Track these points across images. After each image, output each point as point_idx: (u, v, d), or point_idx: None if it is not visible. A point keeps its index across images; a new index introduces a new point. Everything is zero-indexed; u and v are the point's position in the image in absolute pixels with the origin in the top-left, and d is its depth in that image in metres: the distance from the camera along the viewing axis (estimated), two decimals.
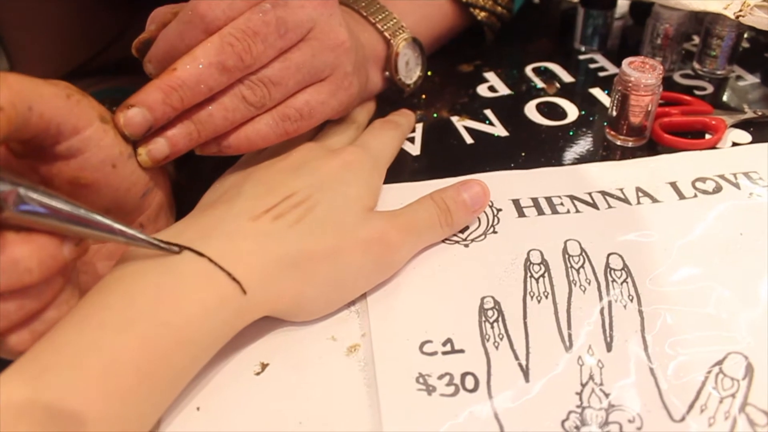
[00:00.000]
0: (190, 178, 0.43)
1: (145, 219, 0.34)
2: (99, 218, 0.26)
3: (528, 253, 0.35)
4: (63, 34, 0.51)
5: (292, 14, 0.33)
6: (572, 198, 0.39)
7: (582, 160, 0.43)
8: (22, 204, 0.24)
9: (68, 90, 0.28)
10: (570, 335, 0.31)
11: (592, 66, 0.53)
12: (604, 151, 0.44)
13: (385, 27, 0.44)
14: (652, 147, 0.44)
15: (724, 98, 0.49)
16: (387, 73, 0.46)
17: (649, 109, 0.42)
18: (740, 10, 0.44)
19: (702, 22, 0.50)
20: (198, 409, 0.29)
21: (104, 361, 0.25)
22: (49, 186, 0.29)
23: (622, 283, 0.34)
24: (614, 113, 0.43)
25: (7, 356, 0.26)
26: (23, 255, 0.24)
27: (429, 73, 0.51)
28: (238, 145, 0.34)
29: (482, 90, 0.51)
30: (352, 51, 0.36)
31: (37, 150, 0.28)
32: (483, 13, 0.51)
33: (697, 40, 0.54)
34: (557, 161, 0.43)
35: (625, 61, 0.42)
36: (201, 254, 0.29)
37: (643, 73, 0.41)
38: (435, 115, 0.48)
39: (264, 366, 0.31)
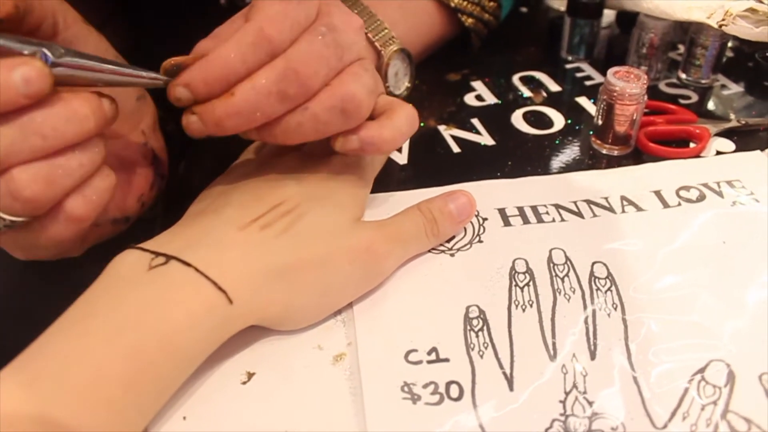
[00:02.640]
0: (190, 169, 0.43)
1: (145, 126, 0.37)
2: (121, 66, 0.30)
3: (513, 262, 0.36)
4: None
5: (345, 37, 0.32)
6: (557, 207, 0.39)
7: (568, 168, 0.43)
8: (56, 60, 0.27)
9: None
10: (554, 344, 0.32)
11: (579, 75, 0.54)
12: (590, 160, 0.44)
13: (377, 37, 0.45)
14: (637, 156, 0.44)
15: (709, 107, 0.49)
16: None
17: (634, 118, 0.43)
18: (723, 20, 0.45)
19: (687, 32, 0.51)
20: (184, 418, 0.29)
21: (90, 370, 0.25)
22: None
23: (606, 292, 0.34)
24: (600, 122, 0.44)
25: (60, 230, 0.29)
26: (78, 105, 0.27)
27: (416, 82, 0.51)
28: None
29: (469, 99, 0.51)
30: None
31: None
32: (470, 20, 0.52)
33: (682, 49, 0.55)
34: (543, 170, 0.43)
35: (610, 71, 0.42)
36: (187, 264, 0.29)
37: (628, 83, 0.42)
38: (422, 124, 0.48)
39: (250, 375, 0.31)
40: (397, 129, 0.34)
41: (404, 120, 0.35)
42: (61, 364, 0.25)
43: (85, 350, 0.26)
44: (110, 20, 0.51)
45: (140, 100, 0.36)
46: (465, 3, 0.51)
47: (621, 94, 0.42)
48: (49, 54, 0.27)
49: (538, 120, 0.48)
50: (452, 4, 0.50)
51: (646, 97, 0.42)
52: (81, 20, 0.32)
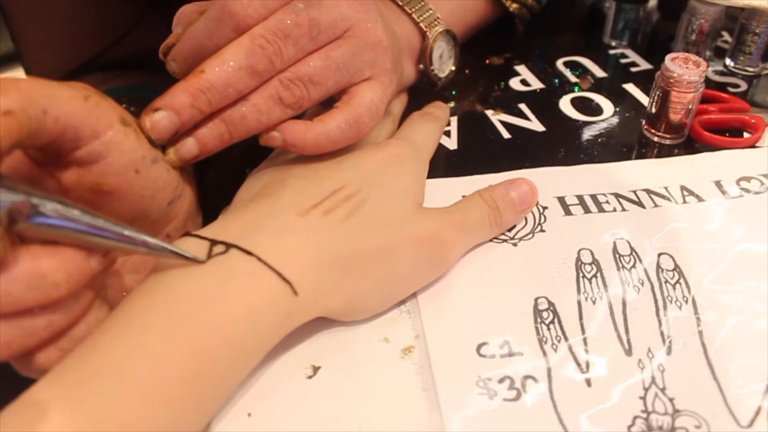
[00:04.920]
0: (217, 182, 0.42)
1: (172, 229, 0.32)
2: (119, 228, 0.25)
3: (578, 253, 0.35)
4: (74, 26, 0.49)
5: (326, 14, 0.31)
6: (617, 196, 0.38)
7: (620, 156, 0.42)
8: (36, 216, 0.23)
9: (86, 92, 0.26)
10: (628, 338, 0.30)
11: (624, 61, 0.52)
12: (643, 148, 0.43)
13: (421, 18, 0.43)
14: (689, 144, 0.43)
15: (759, 96, 0.48)
16: (421, 65, 0.44)
17: (691, 106, 0.41)
18: None
19: (733, 19, 0.50)
20: (249, 415, 0.28)
21: (149, 367, 0.24)
22: (70, 194, 0.27)
23: (675, 284, 0.33)
24: (654, 110, 0.43)
25: (34, 375, 0.25)
26: (50, 268, 0.23)
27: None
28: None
29: (515, 83, 0.50)
30: (390, 48, 0.35)
31: (56, 156, 0.26)
32: (515, 5, 0.50)
33: (726, 36, 0.54)
34: (596, 157, 0.42)
35: (668, 57, 0.41)
36: (249, 252, 0.27)
37: (686, 70, 0.40)
38: (469, 108, 0.47)
39: (316, 369, 0.29)
40: (324, 134, 0.32)
41: (339, 123, 0.33)
42: (118, 361, 0.23)
43: (142, 346, 0.24)
44: (145, 16, 0.49)
45: (173, 204, 0.31)
46: None
47: (679, 81, 0.41)
48: (36, 205, 0.22)
49: (585, 106, 0.47)
50: None
51: (704, 85, 0.41)
52: (118, 121, 0.27)
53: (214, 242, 0.28)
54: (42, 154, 0.26)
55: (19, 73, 0.53)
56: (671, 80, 0.41)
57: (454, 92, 0.48)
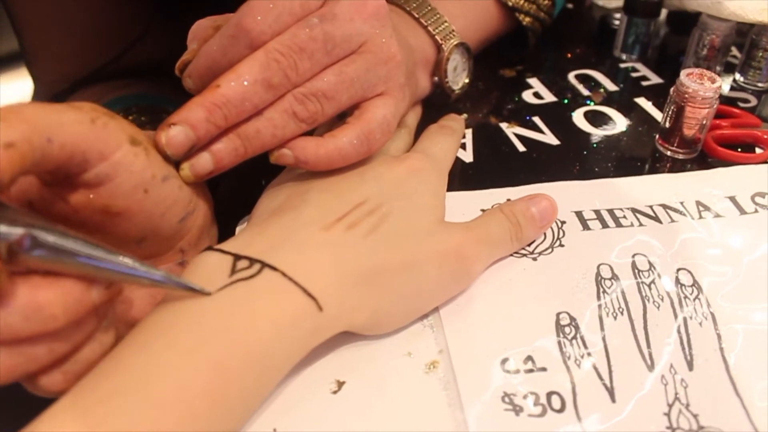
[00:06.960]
0: (230, 193, 0.41)
1: (185, 244, 0.32)
2: (120, 260, 0.24)
3: (598, 268, 0.35)
4: (82, 35, 0.49)
5: (340, 29, 0.31)
6: (634, 211, 0.38)
7: (633, 170, 0.42)
8: (36, 248, 0.22)
9: (93, 113, 0.26)
10: (650, 353, 0.31)
11: (635, 75, 0.53)
12: (656, 162, 0.43)
13: (437, 30, 0.43)
14: (702, 159, 0.43)
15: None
16: (435, 77, 0.45)
17: (705, 122, 0.42)
18: None
19: (742, 34, 0.50)
20: (274, 430, 0.27)
21: (174, 385, 0.23)
22: (79, 215, 0.27)
23: (694, 300, 0.33)
24: (668, 124, 0.43)
25: (40, 395, 0.25)
26: (47, 301, 0.22)
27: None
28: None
29: (528, 96, 0.50)
30: (403, 63, 0.35)
31: (64, 179, 0.26)
32: (528, 19, 0.50)
33: (734, 51, 0.54)
34: (610, 171, 0.42)
35: (683, 72, 0.41)
36: (274, 268, 0.27)
37: (701, 85, 0.41)
38: (483, 120, 0.47)
39: (340, 384, 0.29)
40: (336, 150, 0.32)
41: (351, 139, 0.32)
42: (141, 379, 0.23)
43: (167, 364, 0.24)
44: (154, 26, 0.49)
45: (185, 219, 0.31)
46: (522, 1, 0.50)
47: (693, 97, 0.41)
48: (36, 237, 0.22)
49: (599, 120, 0.47)
50: (510, 3, 0.49)
51: (718, 101, 0.41)
52: (127, 142, 0.27)
53: (237, 257, 0.28)
54: (50, 176, 0.26)
55: (23, 73, 0.53)
56: (686, 95, 0.41)
57: (467, 103, 0.49)
